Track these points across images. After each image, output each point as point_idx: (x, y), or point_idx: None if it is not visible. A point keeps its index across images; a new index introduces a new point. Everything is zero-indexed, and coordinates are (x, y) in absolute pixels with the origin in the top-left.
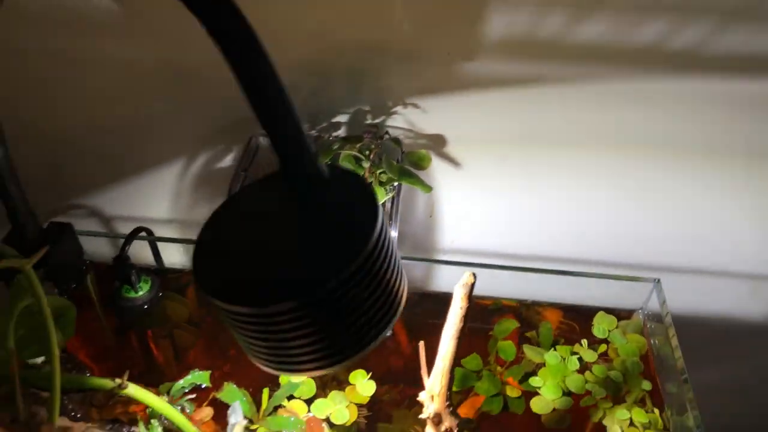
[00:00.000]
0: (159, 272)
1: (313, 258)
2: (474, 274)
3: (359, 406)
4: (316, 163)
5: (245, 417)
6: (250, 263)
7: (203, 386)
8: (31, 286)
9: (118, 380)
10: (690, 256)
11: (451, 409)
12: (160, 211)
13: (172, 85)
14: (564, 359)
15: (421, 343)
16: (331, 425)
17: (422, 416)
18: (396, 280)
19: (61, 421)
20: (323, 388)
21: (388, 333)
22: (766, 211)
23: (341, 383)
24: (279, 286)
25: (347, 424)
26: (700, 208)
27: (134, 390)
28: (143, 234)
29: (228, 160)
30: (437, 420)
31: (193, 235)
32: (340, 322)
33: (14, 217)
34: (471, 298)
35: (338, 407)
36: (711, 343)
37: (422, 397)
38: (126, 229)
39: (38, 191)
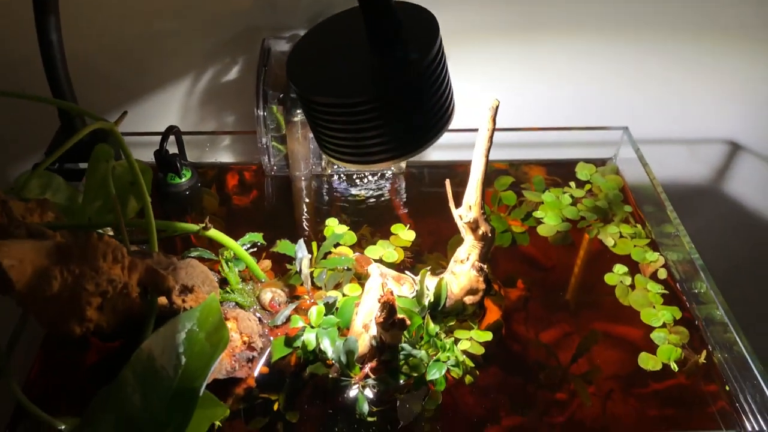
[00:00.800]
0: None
1: (389, 61)
2: (498, 100)
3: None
4: None
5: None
6: (335, 68)
7: (258, 244)
8: (120, 144)
9: (201, 224)
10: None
11: (485, 216)
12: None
13: (180, 0)
14: (557, 197)
15: (447, 181)
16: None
17: (461, 223)
18: (449, 88)
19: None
20: (361, 242)
21: (441, 136)
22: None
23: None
24: (362, 81)
25: (396, 262)
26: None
27: (215, 232)
28: (177, 129)
29: (233, 73)
30: (474, 226)
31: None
32: (409, 116)
33: (65, 114)
34: (495, 121)
35: (387, 250)
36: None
37: (460, 210)
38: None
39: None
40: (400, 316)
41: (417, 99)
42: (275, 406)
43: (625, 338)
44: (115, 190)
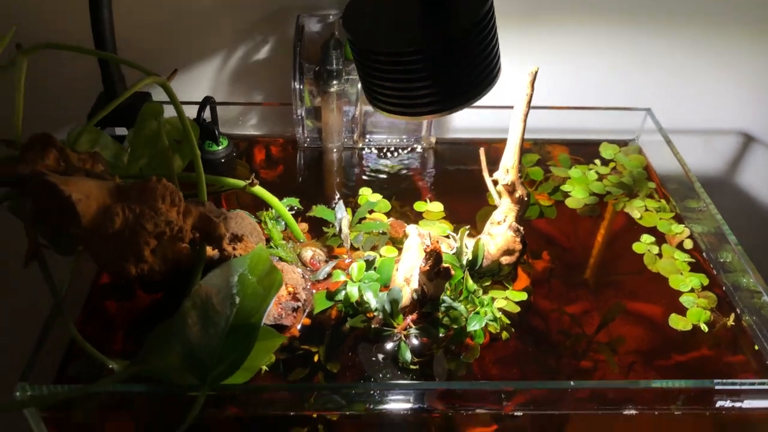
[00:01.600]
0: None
1: (441, 14)
2: (537, 67)
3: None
4: None
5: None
6: (388, 20)
7: (294, 209)
8: (171, 99)
9: (247, 181)
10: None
11: (521, 180)
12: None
13: None
14: (584, 173)
15: (482, 149)
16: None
17: (497, 187)
18: (497, 47)
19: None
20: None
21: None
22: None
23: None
24: (415, 32)
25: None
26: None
27: (259, 189)
28: (212, 100)
29: (264, 52)
30: (512, 189)
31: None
32: (458, 70)
33: (108, 78)
34: (534, 86)
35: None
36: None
37: (497, 174)
38: None
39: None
40: (445, 265)
41: (467, 53)
42: (316, 358)
43: (655, 303)
44: (153, 158)
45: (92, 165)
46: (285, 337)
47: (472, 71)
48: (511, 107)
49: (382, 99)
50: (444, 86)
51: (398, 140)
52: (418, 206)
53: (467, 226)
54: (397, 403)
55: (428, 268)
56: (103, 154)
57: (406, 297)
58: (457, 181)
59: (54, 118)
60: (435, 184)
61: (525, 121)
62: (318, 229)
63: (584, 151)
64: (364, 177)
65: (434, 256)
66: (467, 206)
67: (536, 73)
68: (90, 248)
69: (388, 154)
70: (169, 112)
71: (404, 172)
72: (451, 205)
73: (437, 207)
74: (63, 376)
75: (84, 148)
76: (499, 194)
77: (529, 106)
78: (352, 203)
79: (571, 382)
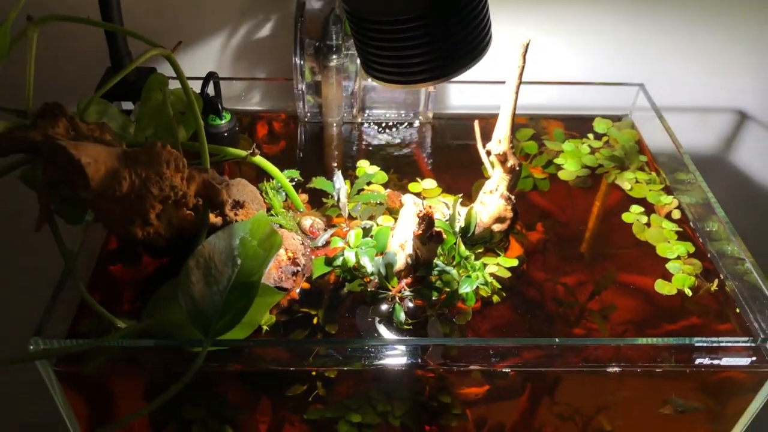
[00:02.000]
0: None
1: None
2: (529, 39)
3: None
4: None
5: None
6: None
7: (295, 180)
8: (176, 70)
9: (249, 151)
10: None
11: (513, 150)
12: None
13: None
14: (577, 147)
15: (476, 122)
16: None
17: (491, 157)
18: (488, 17)
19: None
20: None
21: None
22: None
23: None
24: (407, 0)
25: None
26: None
27: (260, 159)
28: (216, 75)
29: (267, 29)
30: (503, 158)
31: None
32: (451, 37)
33: (116, 53)
34: (525, 58)
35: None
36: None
37: (490, 144)
38: None
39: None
40: (437, 229)
41: (460, 20)
42: (315, 320)
43: (643, 272)
44: (160, 127)
45: (100, 134)
46: (283, 293)
47: (464, 38)
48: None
49: (378, 68)
50: (437, 54)
51: (396, 115)
52: (413, 188)
53: (460, 195)
54: (393, 359)
55: (421, 232)
56: (111, 125)
57: (400, 262)
58: (454, 155)
59: (63, 91)
60: (432, 157)
61: (517, 92)
62: (317, 200)
63: (579, 126)
64: (363, 151)
65: (427, 220)
66: (464, 179)
67: (528, 45)
68: (98, 211)
69: (387, 129)
70: (175, 86)
71: (402, 146)
72: (448, 179)
73: (431, 184)
74: (74, 333)
75: (92, 118)
76: (492, 164)
77: (521, 79)
78: (351, 176)
79: (556, 339)
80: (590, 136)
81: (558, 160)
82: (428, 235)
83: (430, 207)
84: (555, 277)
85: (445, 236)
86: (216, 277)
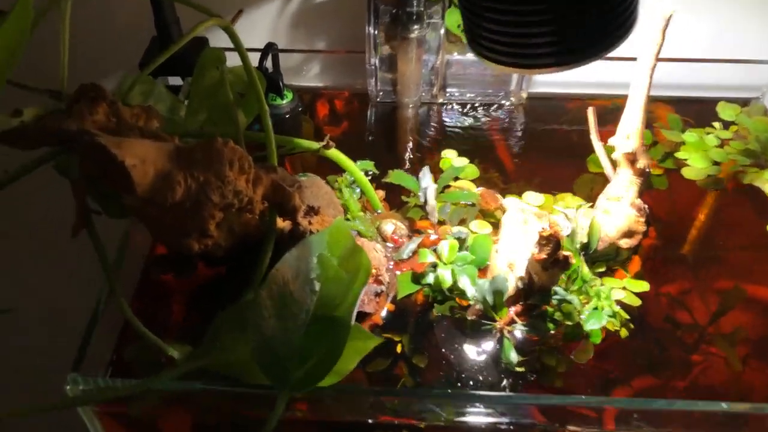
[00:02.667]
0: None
1: None
2: (673, 10)
3: None
4: None
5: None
6: None
7: (369, 173)
8: (236, 45)
9: (322, 143)
10: None
11: (645, 148)
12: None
13: None
14: (701, 138)
15: (591, 109)
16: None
17: (614, 155)
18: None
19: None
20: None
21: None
22: None
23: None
24: None
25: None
26: None
27: (335, 152)
28: (276, 47)
29: None
30: (633, 158)
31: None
32: (586, 14)
33: (161, 20)
34: (665, 34)
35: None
36: None
37: (615, 140)
38: None
39: None
40: (564, 253)
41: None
42: (398, 348)
43: None
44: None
45: (146, 121)
46: (380, 339)
47: (604, 16)
48: (620, 58)
49: (491, 46)
50: (569, 33)
51: (483, 95)
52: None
53: (585, 203)
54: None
55: (545, 256)
56: (158, 107)
57: (510, 286)
58: (550, 143)
59: (101, 66)
60: (525, 146)
61: (651, 76)
62: (394, 198)
63: (694, 110)
64: (445, 136)
65: (554, 243)
66: (563, 172)
67: (671, 17)
68: (145, 219)
69: (472, 110)
70: (229, 60)
71: (490, 131)
72: (543, 171)
73: (537, 199)
74: (118, 361)
75: (137, 100)
76: (614, 164)
77: (657, 58)
78: (433, 168)
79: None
80: (716, 125)
81: (680, 154)
82: (553, 260)
83: (556, 225)
84: (690, 299)
85: (573, 261)
86: (292, 308)
